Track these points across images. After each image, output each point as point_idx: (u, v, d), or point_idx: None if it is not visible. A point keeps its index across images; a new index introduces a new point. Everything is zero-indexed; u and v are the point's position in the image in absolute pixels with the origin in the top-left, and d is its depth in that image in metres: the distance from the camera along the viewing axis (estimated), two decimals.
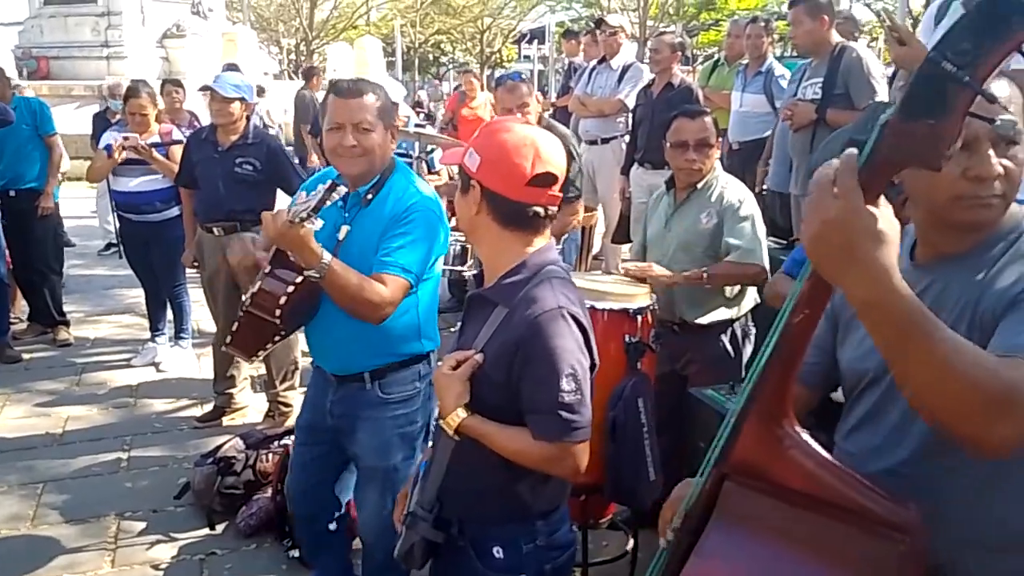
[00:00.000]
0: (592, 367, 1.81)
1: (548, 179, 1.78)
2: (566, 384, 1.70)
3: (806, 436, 1.28)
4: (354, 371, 2.58)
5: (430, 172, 4.55)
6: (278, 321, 2.40)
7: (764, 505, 1.27)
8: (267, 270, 2.37)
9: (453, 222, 3.67)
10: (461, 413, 1.74)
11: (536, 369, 1.71)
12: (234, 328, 2.52)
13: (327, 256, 2.25)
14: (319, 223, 2.16)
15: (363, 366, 2.56)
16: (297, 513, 2.90)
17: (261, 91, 9.97)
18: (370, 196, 2.49)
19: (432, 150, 5.80)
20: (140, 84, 5.35)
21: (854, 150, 1.10)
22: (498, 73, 27.41)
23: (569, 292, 1.81)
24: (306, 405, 2.81)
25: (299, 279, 2.33)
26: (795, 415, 1.45)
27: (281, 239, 2.22)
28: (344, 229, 2.44)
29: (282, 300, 2.35)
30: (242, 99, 4.23)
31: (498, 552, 1.83)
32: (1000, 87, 1.28)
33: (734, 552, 1.30)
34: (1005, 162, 1.31)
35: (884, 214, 1.09)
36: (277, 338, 2.56)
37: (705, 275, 3.03)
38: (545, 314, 1.72)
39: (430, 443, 2.11)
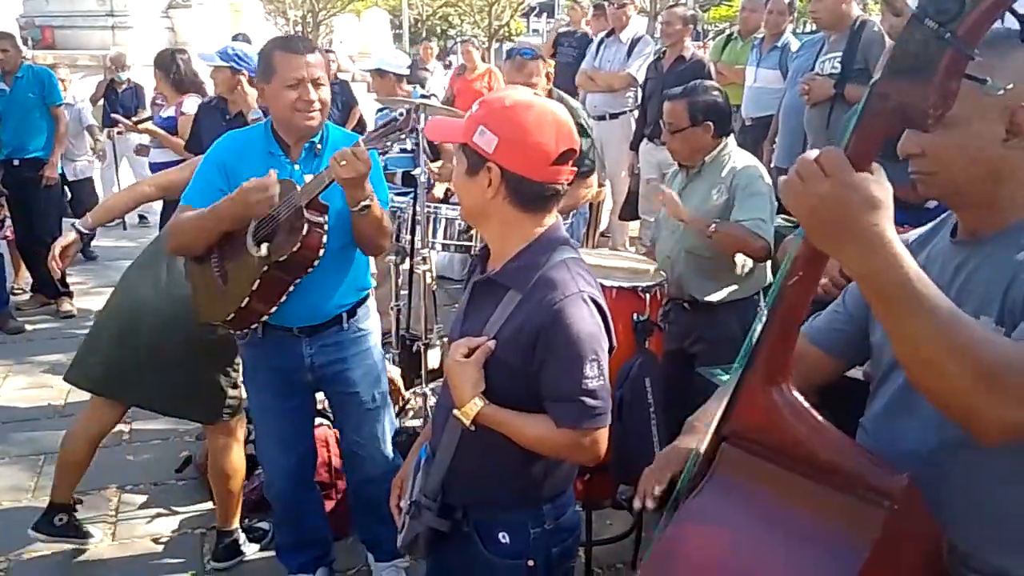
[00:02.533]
0: (610, 350, 1.76)
1: (570, 155, 1.72)
2: (589, 370, 1.65)
3: (801, 399, 1.27)
4: (330, 316, 2.67)
5: (431, 147, 4.53)
6: (314, 266, 2.43)
7: (756, 466, 1.27)
8: (305, 216, 2.37)
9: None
10: (478, 403, 1.68)
11: (559, 356, 1.65)
12: (255, 288, 2.43)
13: (371, 189, 2.38)
14: (409, 143, 2.22)
15: (338, 308, 2.68)
16: (291, 496, 2.88)
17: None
18: (320, 146, 2.59)
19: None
20: None
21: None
22: (507, 47, 27.15)
23: (585, 273, 1.75)
24: (265, 380, 2.76)
25: (324, 220, 2.41)
26: (813, 383, 1.48)
27: (359, 169, 2.25)
28: (308, 177, 2.46)
29: (323, 241, 2.41)
30: (231, 68, 4.11)
31: (504, 537, 1.79)
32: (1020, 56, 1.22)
33: (720, 513, 1.30)
34: (923, 140, 1.28)
35: (876, 179, 1.07)
36: (285, 295, 2.51)
37: (713, 226, 2.95)
38: (566, 299, 1.66)
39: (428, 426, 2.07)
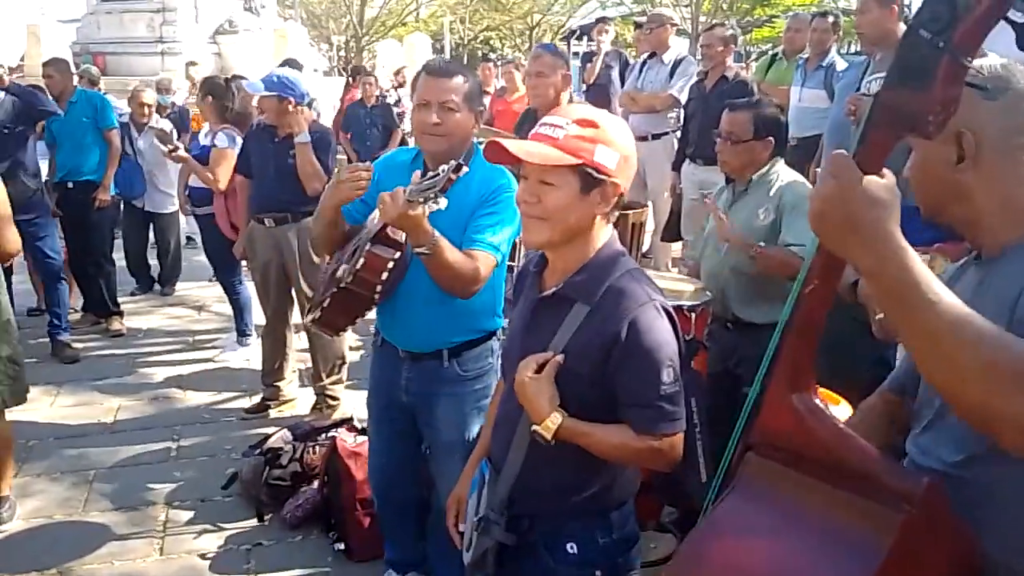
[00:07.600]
0: (680, 354, 1.78)
1: None
2: (666, 376, 1.70)
3: (822, 405, 1.27)
4: (431, 348, 2.63)
5: None
6: (377, 296, 2.46)
7: (778, 473, 1.29)
8: (367, 247, 2.42)
9: None
10: (558, 417, 1.69)
11: (637, 365, 1.69)
12: (325, 304, 2.55)
13: (437, 234, 2.28)
14: (443, 202, 2.15)
15: (442, 343, 2.62)
16: (383, 494, 2.98)
17: None
18: (453, 176, 2.54)
19: (483, 143, 5.79)
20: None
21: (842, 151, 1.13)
22: None
23: (650, 282, 1.79)
24: (375, 386, 2.85)
25: (397, 255, 2.40)
26: (904, 427, 1.48)
27: (400, 219, 2.18)
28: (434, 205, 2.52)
29: (384, 276, 2.41)
30: (278, 96, 4.18)
31: (572, 548, 1.80)
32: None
33: (742, 518, 1.32)
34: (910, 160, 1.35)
35: (881, 181, 1.10)
36: (365, 313, 2.62)
37: (758, 248, 2.91)
38: (641, 308, 1.70)
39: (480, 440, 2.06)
